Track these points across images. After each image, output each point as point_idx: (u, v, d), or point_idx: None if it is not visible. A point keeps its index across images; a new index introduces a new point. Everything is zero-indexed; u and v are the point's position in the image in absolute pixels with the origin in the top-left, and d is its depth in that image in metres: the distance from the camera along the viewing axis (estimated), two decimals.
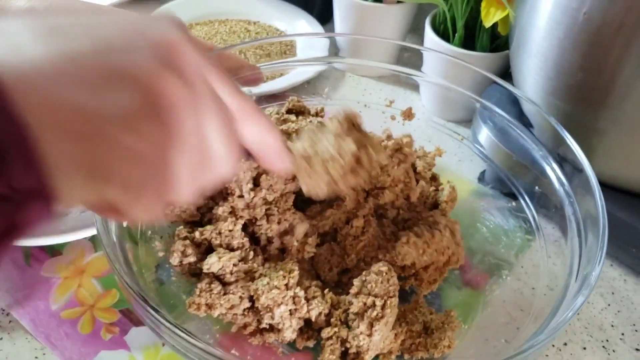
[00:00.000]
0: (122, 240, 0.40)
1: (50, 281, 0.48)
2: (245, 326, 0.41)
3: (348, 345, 0.39)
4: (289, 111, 0.52)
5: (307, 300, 0.40)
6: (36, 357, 0.43)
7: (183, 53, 0.25)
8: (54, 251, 0.50)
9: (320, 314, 0.40)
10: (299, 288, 0.40)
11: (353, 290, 0.40)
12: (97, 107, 0.22)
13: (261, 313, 0.40)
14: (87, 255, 0.50)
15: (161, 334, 0.35)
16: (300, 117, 0.51)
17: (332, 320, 0.40)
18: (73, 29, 0.23)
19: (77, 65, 0.22)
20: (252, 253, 0.42)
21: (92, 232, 0.48)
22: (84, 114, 0.22)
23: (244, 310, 0.40)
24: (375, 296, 0.39)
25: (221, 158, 0.27)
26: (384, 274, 0.40)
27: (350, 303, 0.40)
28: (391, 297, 0.39)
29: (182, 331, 0.32)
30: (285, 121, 0.49)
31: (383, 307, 0.39)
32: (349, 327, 0.40)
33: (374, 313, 0.39)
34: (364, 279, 0.41)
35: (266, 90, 0.61)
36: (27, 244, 0.47)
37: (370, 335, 0.38)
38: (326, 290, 0.42)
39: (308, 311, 0.40)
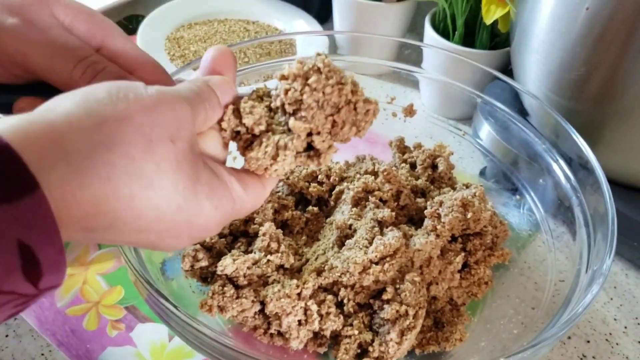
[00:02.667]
0: None
1: None
2: (255, 328, 0.41)
3: (371, 349, 0.39)
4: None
5: (321, 315, 0.40)
6: (42, 354, 0.43)
7: None
8: None
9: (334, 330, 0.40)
10: (312, 301, 0.39)
11: (386, 296, 0.40)
12: None
13: (270, 319, 0.40)
14: (91, 252, 0.50)
15: (174, 327, 0.34)
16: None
17: (355, 322, 0.40)
18: None
19: None
20: (266, 258, 0.41)
21: None
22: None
23: (255, 313, 0.40)
24: (408, 305, 0.39)
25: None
26: (417, 283, 0.40)
27: (381, 308, 0.40)
28: (422, 307, 0.39)
29: (195, 322, 0.32)
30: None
31: (414, 316, 0.39)
32: (372, 331, 0.40)
33: (407, 322, 0.38)
34: (397, 286, 0.40)
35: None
36: None
37: (400, 343, 0.38)
38: (350, 294, 0.41)
39: (321, 328, 0.40)
